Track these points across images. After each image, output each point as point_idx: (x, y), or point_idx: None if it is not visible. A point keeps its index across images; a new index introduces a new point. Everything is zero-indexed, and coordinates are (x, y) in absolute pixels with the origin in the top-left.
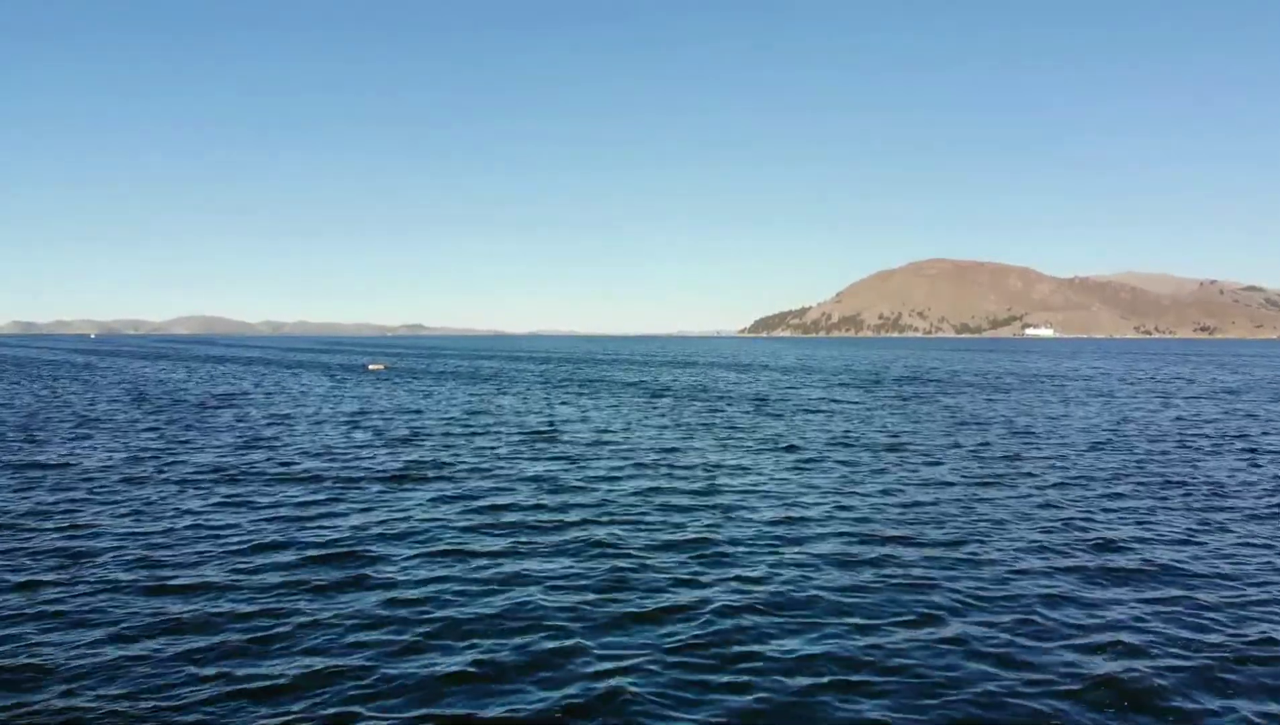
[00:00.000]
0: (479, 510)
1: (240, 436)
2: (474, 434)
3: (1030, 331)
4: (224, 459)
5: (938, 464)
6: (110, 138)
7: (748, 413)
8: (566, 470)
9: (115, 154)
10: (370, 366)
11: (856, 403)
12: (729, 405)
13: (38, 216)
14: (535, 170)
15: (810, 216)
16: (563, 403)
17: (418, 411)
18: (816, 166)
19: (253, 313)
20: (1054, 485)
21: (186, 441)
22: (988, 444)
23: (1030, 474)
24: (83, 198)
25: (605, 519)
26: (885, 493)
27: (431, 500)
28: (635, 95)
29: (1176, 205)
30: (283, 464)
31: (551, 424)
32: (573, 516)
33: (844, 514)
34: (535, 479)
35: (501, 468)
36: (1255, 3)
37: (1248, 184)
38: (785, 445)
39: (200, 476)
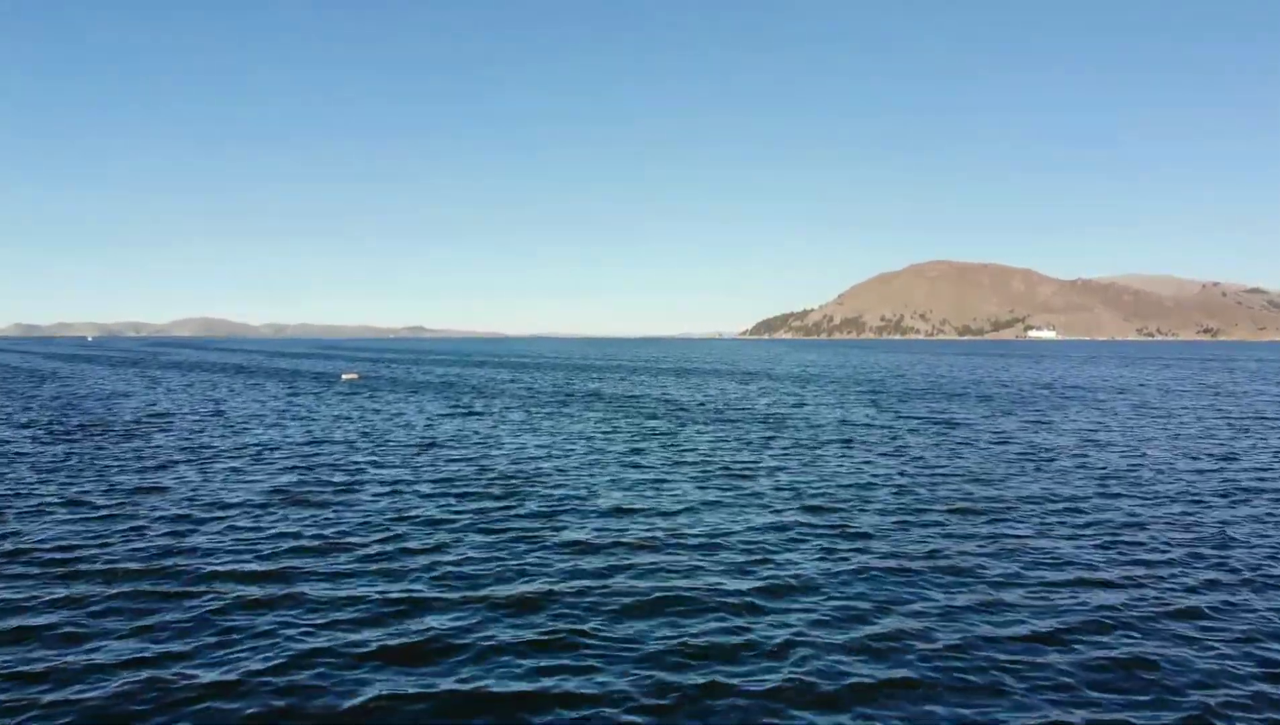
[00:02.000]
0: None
1: (123, 486)
2: (415, 486)
3: (1033, 333)
4: (65, 533)
5: (1029, 541)
6: (112, 141)
7: (761, 448)
8: (521, 565)
9: (118, 156)
10: (344, 376)
11: (884, 427)
12: (737, 433)
13: (40, 219)
14: (537, 173)
15: (812, 218)
16: (540, 429)
17: (367, 441)
18: (818, 168)
19: (255, 315)
20: (1214, 585)
21: (43, 498)
22: (1078, 502)
23: (1165, 562)
24: (85, 200)
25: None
26: (973, 595)
27: (309, 650)
28: (638, 98)
29: (1178, 207)
30: (145, 544)
31: (519, 464)
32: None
33: (923, 643)
34: (486, 595)
35: (435, 554)
36: (1258, 5)
37: (1250, 185)
38: (818, 503)
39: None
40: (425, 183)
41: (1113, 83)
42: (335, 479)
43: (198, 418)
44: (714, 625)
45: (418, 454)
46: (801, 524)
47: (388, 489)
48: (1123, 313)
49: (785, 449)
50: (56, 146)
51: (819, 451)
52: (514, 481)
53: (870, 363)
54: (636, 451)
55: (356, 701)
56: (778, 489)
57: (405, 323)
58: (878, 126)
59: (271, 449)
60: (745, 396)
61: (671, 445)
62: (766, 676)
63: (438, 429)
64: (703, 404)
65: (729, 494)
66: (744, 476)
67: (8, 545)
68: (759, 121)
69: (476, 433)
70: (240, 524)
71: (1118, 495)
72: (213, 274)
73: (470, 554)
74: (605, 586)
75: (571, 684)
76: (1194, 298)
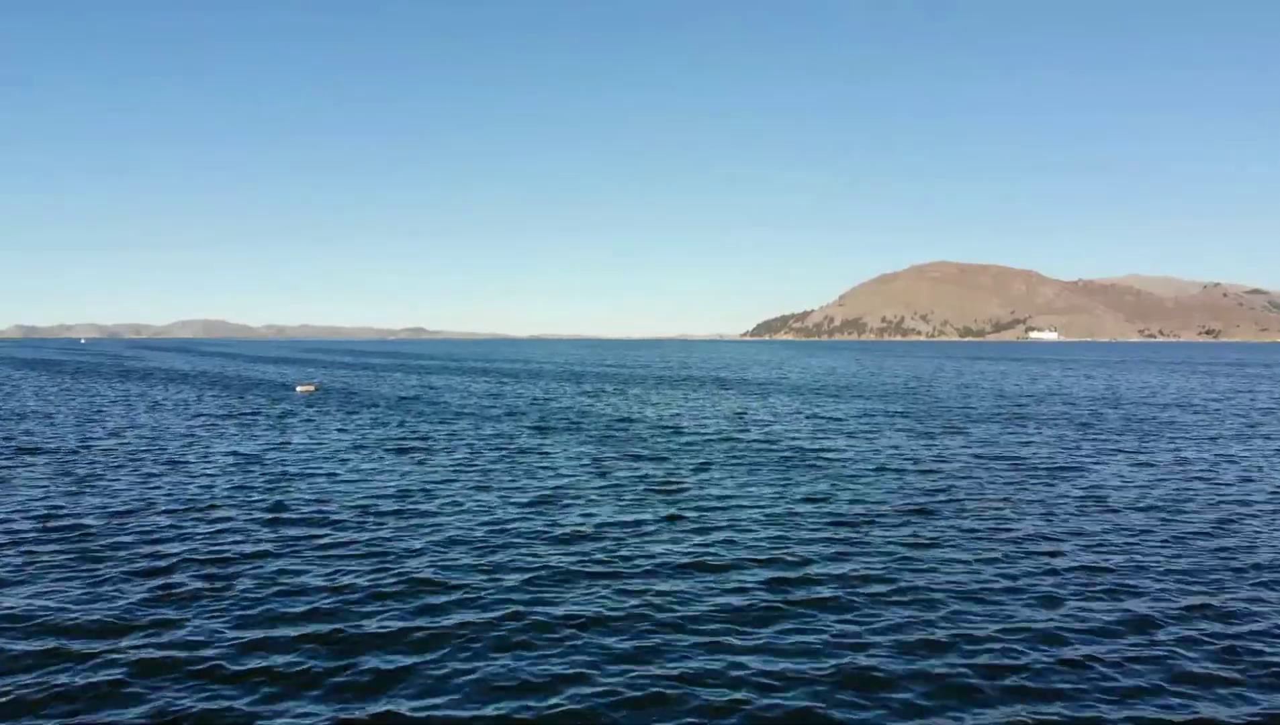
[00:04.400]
0: None
1: None
2: (255, 610)
3: (1034, 335)
4: None
5: None
6: (114, 142)
7: (814, 531)
8: None
9: (119, 158)
10: (300, 387)
11: (959, 477)
12: (771, 492)
13: (41, 220)
14: (537, 173)
15: (812, 218)
16: (499, 485)
17: (257, 501)
18: (819, 169)
19: (255, 316)
20: None
21: None
22: None
23: None
24: (86, 202)
25: None
26: None
27: None
28: (639, 99)
29: (1180, 208)
30: None
31: (447, 566)
32: None
33: None
34: None
35: None
36: (1259, 7)
37: (1251, 186)
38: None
39: None
40: (426, 183)
41: (1114, 83)
42: (143, 592)
43: (69, 454)
44: None
45: (311, 531)
46: None
47: (218, 612)
48: (1124, 314)
49: (843, 527)
50: (56, 146)
51: (898, 532)
52: (428, 613)
53: (886, 369)
54: (623, 539)
55: None
56: (865, 644)
57: (405, 324)
58: (879, 126)
59: (115, 519)
60: (764, 420)
61: (681, 523)
62: None
63: (359, 482)
64: (716, 434)
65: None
66: (804, 614)
67: None
68: (759, 120)
69: (407, 492)
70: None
71: None
72: (215, 275)
73: None
74: None
75: None
76: (1195, 299)
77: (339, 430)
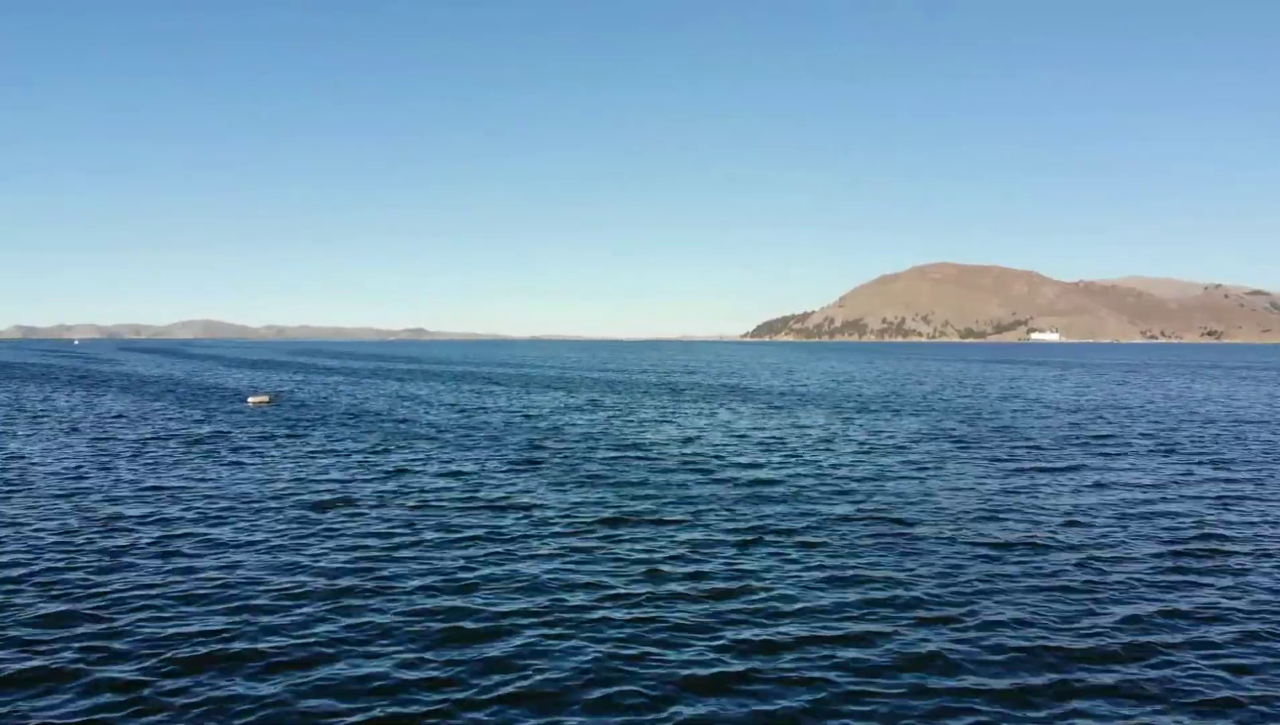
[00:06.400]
0: None
1: None
2: None
3: (1036, 336)
4: None
5: None
6: (114, 142)
7: (932, 675)
8: None
9: (119, 158)
10: (251, 400)
11: (1112, 547)
12: (834, 563)
13: (41, 220)
14: (537, 174)
15: (813, 218)
16: (437, 574)
17: (78, 602)
18: (819, 169)
19: (255, 316)
20: None
21: None
22: None
23: None
24: (86, 202)
25: None
26: None
27: None
28: (639, 98)
29: (1182, 209)
30: None
31: None
32: None
33: None
34: None
35: None
36: (1259, 7)
37: (1253, 187)
38: None
39: None
40: (426, 183)
41: (1114, 83)
42: None
43: None
44: None
45: (106, 675)
46: None
47: None
48: (1126, 315)
49: (993, 672)
50: (56, 146)
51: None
52: None
53: (905, 374)
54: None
55: None
56: None
57: (405, 325)
58: (879, 126)
59: None
60: (802, 449)
61: (731, 673)
62: None
63: (228, 573)
64: (752, 473)
65: None
66: None
67: None
68: (759, 120)
69: (280, 607)
70: None
71: None
72: (215, 275)
73: None
74: None
75: None
76: (1197, 300)
77: (259, 465)
